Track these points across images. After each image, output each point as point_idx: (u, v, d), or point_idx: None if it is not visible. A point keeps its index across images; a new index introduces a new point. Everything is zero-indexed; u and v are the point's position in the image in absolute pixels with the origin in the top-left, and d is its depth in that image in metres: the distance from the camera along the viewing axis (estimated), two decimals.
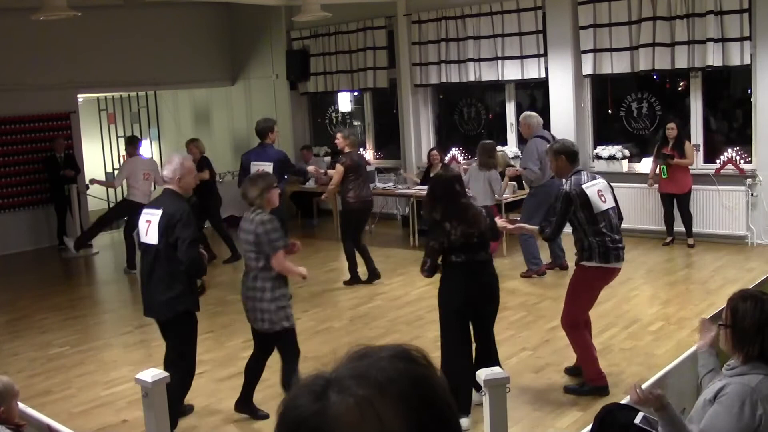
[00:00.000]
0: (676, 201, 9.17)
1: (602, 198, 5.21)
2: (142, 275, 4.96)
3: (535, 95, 11.24)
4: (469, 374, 4.33)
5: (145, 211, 4.90)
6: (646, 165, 9.71)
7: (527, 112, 8.66)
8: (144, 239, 4.81)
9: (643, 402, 2.92)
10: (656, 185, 9.22)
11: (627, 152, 9.94)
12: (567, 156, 5.29)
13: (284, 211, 7.83)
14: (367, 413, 0.92)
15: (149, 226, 4.75)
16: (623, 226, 5.44)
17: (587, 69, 9.88)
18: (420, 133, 11.90)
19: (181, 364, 4.79)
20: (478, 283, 4.80)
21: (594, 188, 5.20)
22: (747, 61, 8.74)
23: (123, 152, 15.45)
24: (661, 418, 2.85)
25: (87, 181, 10.97)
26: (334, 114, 13.23)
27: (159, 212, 4.71)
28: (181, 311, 4.78)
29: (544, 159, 7.42)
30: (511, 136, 11.04)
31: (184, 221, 4.65)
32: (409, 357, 1.00)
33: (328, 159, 12.29)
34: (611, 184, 5.45)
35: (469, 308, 4.81)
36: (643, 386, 3.58)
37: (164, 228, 4.67)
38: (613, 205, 5.30)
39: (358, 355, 1.00)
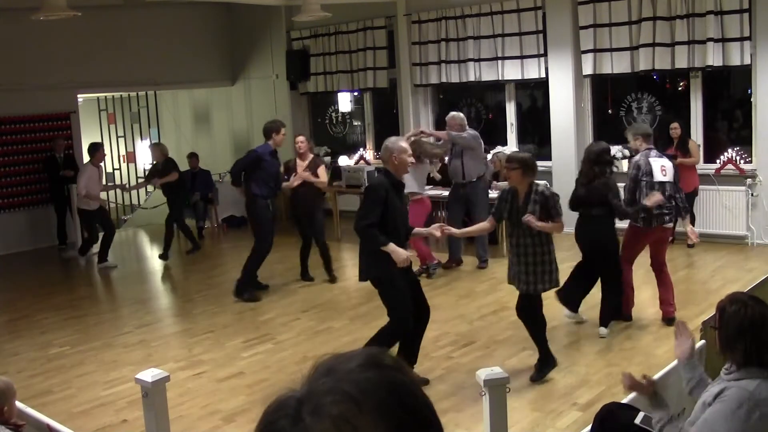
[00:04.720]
0: None
1: None
2: None
3: (535, 95, 11.23)
4: None
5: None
6: None
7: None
8: None
9: (636, 387, 2.94)
10: None
11: (627, 152, 9.90)
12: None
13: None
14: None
15: None
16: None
17: (587, 69, 9.88)
18: None
19: None
20: None
21: None
22: (747, 61, 8.74)
23: (123, 152, 15.46)
24: (653, 405, 2.88)
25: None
26: (334, 114, 13.22)
27: None
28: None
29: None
30: (511, 136, 11.03)
31: None
32: (379, 363, 0.95)
33: (328, 159, 12.28)
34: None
35: None
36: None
37: None
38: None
39: (326, 368, 0.94)
